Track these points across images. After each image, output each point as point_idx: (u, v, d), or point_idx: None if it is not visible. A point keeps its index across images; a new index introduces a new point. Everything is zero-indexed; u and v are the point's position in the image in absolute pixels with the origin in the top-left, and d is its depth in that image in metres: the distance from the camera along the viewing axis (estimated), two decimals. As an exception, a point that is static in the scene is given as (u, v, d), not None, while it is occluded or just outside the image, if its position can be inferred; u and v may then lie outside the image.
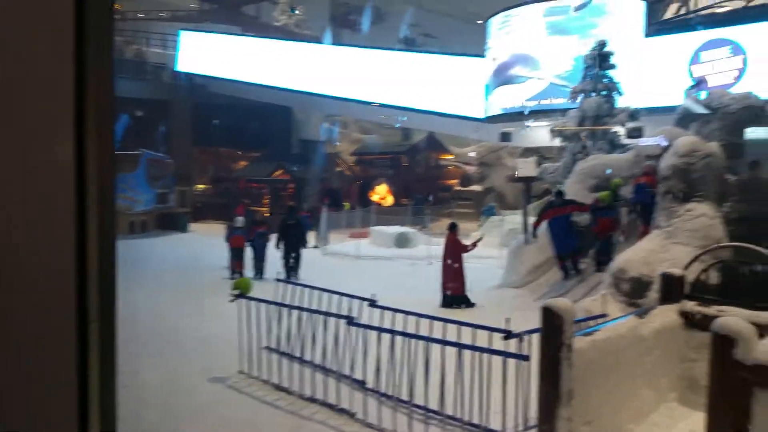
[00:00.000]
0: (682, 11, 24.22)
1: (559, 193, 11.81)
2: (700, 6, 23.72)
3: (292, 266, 14.53)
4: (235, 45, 34.68)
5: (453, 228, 11.45)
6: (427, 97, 27.07)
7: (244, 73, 32.95)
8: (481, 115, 25.40)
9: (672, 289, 5.69)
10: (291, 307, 6.82)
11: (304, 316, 6.68)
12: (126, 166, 24.04)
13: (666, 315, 5.30)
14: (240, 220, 14.68)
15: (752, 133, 9.59)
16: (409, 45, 36.28)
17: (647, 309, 5.62)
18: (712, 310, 5.13)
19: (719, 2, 23.05)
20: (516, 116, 23.42)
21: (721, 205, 8.97)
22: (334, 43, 34.19)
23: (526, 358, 4.78)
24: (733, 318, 3.38)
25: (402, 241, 19.61)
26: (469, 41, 29.59)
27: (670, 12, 24.65)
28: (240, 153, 39.33)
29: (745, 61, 19.46)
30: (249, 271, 13.93)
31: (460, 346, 5.20)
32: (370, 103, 29.10)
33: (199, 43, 35.48)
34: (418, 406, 5.56)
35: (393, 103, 28.22)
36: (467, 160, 33.94)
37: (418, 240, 19.87)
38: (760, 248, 5.67)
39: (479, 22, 28.89)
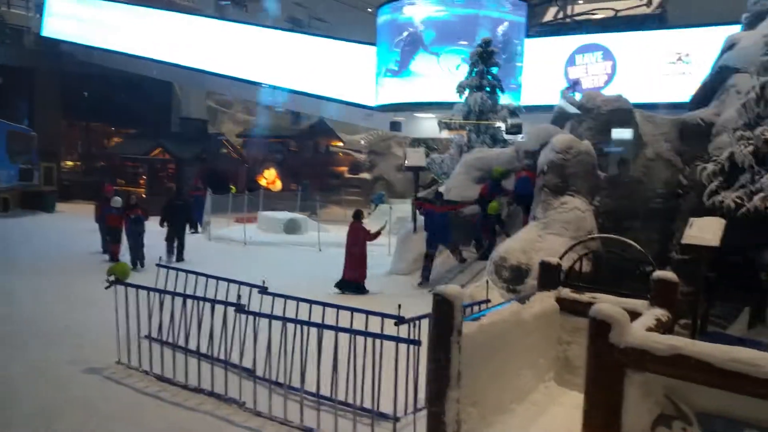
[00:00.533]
0: (560, 16, 25.88)
1: (439, 194, 12.19)
2: (575, 12, 25.50)
3: (176, 250, 13.97)
4: (111, 12, 32.06)
5: (358, 216, 11.58)
6: (318, 82, 26.78)
7: (120, 43, 30.64)
8: (372, 103, 25.58)
9: (549, 276, 6.06)
10: (175, 294, 6.47)
11: (189, 303, 6.39)
12: (-18, 139, 21.71)
13: (544, 301, 5.64)
14: (118, 200, 13.66)
15: (619, 133, 10.50)
16: (296, 25, 35.44)
17: (528, 295, 5.97)
18: (584, 296, 5.55)
19: (592, 10, 24.93)
20: (405, 106, 23.84)
21: (592, 199, 9.74)
22: (220, 18, 32.73)
23: (418, 343, 4.89)
24: (608, 305, 3.66)
25: (291, 227, 19.34)
26: (360, 28, 29.65)
27: (549, 15, 26.24)
28: (114, 129, 36.61)
29: (614, 66, 21.25)
30: (126, 255, 13.04)
31: (353, 332, 5.22)
32: (258, 84, 28.25)
33: (69, 8, 32.42)
34: (309, 393, 5.53)
35: (283, 86, 27.61)
36: (357, 147, 34.12)
37: (307, 226, 19.70)
38: (626, 239, 6.21)
39: (369, 10, 29.02)
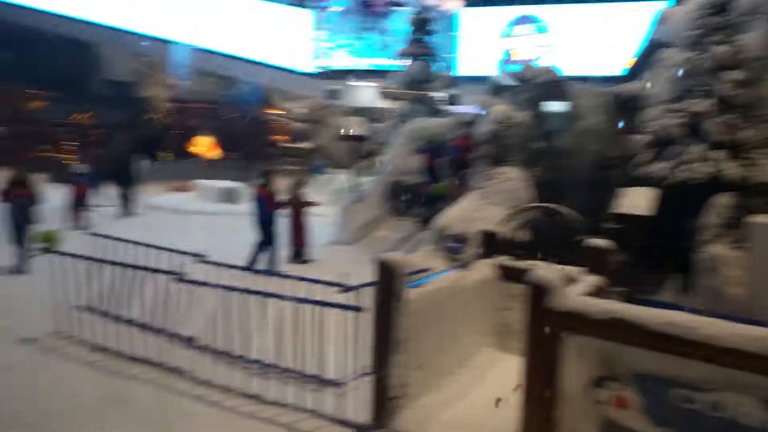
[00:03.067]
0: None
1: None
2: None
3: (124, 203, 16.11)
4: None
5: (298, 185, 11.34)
6: (253, 46, 25.94)
7: (36, -1, 28.53)
8: (310, 70, 25.08)
9: (489, 245, 6.26)
10: (112, 263, 6.25)
11: (127, 272, 6.18)
12: None
13: (484, 268, 5.81)
14: (82, 167, 13.36)
15: (554, 105, 10.77)
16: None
17: (468, 263, 6.14)
18: (522, 264, 5.75)
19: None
20: (343, 74, 23.54)
21: (529, 170, 10.03)
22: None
23: (359, 309, 4.94)
24: (546, 270, 3.82)
25: (229, 197, 18.89)
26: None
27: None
28: (32, 91, 34.19)
29: (549, 39, 21.70)
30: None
31: (297, 300, 5.23)
32: (187, 46, 27.10)
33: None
34: (253, 361, 5.52)
35: (215, 49, 26.59)
36: (295, 115, 33.33)
37: (246, 196, 19.27)
38: (562, 207, 6.46)
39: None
